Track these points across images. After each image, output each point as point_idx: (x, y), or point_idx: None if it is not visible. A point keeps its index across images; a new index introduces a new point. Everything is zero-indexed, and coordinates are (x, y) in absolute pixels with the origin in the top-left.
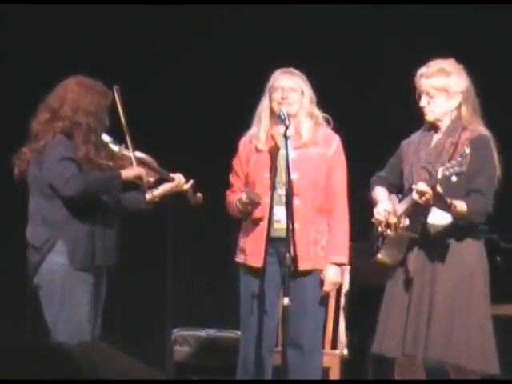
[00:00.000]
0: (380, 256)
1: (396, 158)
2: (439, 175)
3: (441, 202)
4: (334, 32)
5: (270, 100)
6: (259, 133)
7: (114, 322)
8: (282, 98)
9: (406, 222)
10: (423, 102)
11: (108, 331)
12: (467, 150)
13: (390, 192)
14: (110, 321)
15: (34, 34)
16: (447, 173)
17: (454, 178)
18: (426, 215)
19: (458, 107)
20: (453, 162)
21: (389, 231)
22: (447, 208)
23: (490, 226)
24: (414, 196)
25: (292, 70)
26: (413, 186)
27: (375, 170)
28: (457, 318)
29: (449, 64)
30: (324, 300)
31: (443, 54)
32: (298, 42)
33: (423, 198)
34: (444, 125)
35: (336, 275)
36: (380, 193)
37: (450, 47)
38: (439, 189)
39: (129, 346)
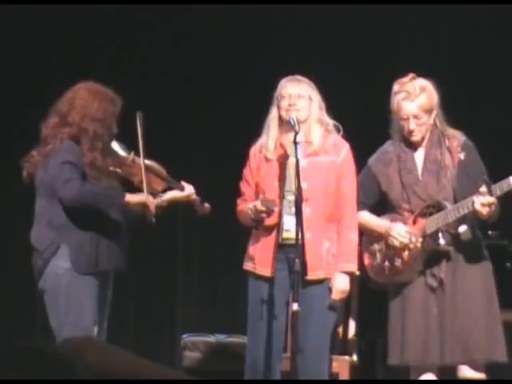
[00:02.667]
0: (400, 278)
1: (369, 180)
2: None
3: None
4: (347, 40)
5: (278, 108)
6: (268, 142)
7: (124, 328)
8: (290, 105)
9: (447, 237)
10: (412, 125)
11: (118, 336)
12: (462, 156)
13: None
14: (119, 326)
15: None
16: None
17: None
18: (456, 228)
19: (433, 119)
20: None
21: (407, 250)
22: (494, 214)
23: (499, 232)
24: (479, 207)
25: (299, 77)
26: (476, 198)
27: None
28: (493, 317)
29: (422, 81)
30: (333, 307)
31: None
32: (307, 49)
33: (488, 209)
34: (425, 139)
35: (345, 284)
36: (373, 217)
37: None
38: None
39: (138, 351)
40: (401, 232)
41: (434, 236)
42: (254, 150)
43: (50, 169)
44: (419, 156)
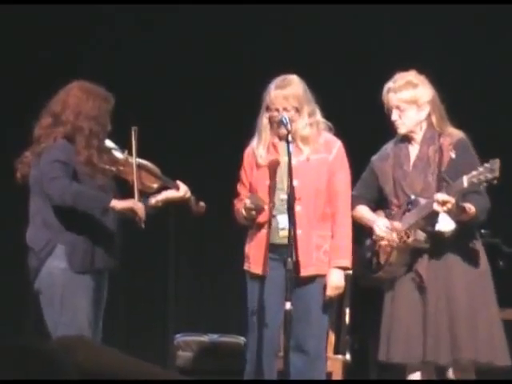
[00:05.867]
0: (383, 274)
1: (370, 175)
2: (465, 184)
3: (458, 209)
4: (336, 33)
5: (269, 117)
6: (259, 148)
7: (117, 327)
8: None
9: (420, 233)
10: (394, 117)
11: (110, 336)
12: (453, 155)
13: (370, 208)
14: (112, 326)
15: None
16: (475, 180)
17: (484, 185)
18: (433, 224)
19: (428, 116)
20: (480, 169)
21: (387, 246)
22: (462, 213)
23: (491, 231)
24: (435, 206)
25: (287, 84)
26: (435, 197)
27: None
28: (478, 318)
29: (413, 76)
30: (328, 305)
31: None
32: (298, 44)
33: (445, 207)
34: (418, 135)
35: (339, 279)
36: (366, 211)
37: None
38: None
39: (131, 351)
40: (380, 226)
41: (408, 232)
42: (247, 151)
43: (40, 167)
44: (413, 152)
